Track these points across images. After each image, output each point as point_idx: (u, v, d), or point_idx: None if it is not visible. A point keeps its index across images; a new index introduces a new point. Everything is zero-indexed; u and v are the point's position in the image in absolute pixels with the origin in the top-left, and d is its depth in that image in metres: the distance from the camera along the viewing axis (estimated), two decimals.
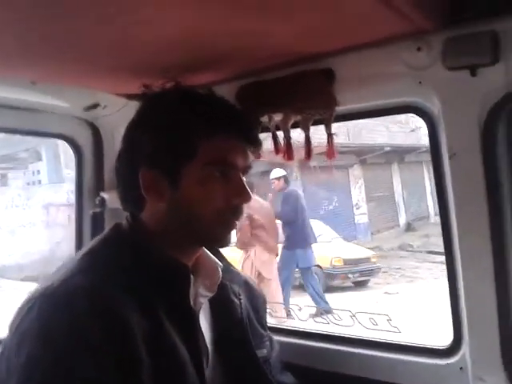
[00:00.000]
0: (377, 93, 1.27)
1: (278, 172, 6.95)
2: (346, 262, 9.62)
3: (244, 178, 1.11)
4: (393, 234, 13.84)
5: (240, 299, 1.24)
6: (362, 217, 14.57)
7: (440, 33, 1.11)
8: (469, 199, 1.18)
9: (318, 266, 8.72)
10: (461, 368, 1.27)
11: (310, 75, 1.26)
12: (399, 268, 11.08)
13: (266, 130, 1.37)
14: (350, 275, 9.78)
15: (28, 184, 13.78)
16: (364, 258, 10.22)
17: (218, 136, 1.07)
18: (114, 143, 1.64)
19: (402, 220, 15.59)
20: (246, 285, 1.32)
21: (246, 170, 1.12)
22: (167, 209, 1.07)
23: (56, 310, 0.90)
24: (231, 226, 1.11)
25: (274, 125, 1.35)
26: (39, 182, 13.73)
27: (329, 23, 1.05)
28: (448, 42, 1.11)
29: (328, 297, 7.25)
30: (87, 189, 1.71)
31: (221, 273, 1.18)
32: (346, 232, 13.06)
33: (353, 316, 1.67)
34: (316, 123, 1.29)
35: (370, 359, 1.44)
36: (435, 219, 15.95)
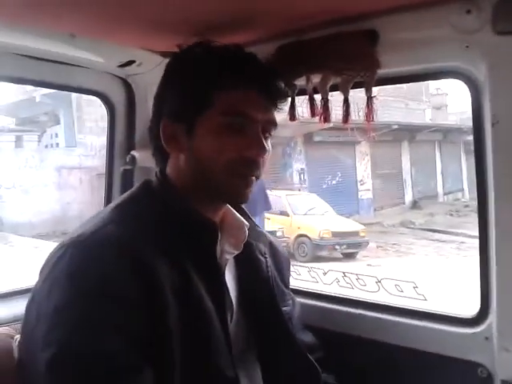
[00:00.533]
0: (421, 56, 1.24)
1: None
2: (334, 234, 10.06)
3: (267, 134, 1.10)
4: (397, 210, 13.94)
5: (266, 257, 1.26)
6: (365, 193, 14.68)
7: None
8: (509, 169, 1.17)
9: (307, 236, 9.48)
10: (486, 338, 1.28)
11: (352, 36, 1.23)
12: (395, 244, 11.19)
13: (302, 92, 1.36)
14: (336, 247, 10.18)
15: (46, 147, 13.96)
16: (353, 231, 10.60)
17: (237, 87, 1.06)
18: (146, 101, 1.63)
19: (409, 198, 15.66)
20: (271, 245, 1.34)
21: (267, 124, 1.10)
22: (186, 160, 1.09)
23: (87, 259, 0.92)
24: (246, 180, 1.08)
25: (312, 87, 1.33)
26: (57, 144, 13.89)
27: None
28: (499, 5, 1.08)
29: (312, 265, 7.50)
30: (118, 146, 1.71)
31: (247, 231, 1.19)
32: (348, 206, 13.40)
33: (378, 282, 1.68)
34: (356, 86, 1.27)
35: (393, 324, 1.45)
36: (444, 198, 16.43)
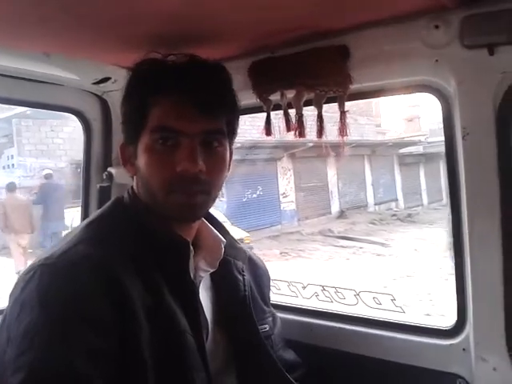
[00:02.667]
0: (392, 71, 1.26)
1: (45, 171, 10.07)
2: None
3: (214, 144, 1.05)
4: (323, 220, 14.59)
5: (243, 275, 1.24)
6: (288, 204, 15.39)
7: (458, 10, 1.10)
8: (480, 180, 1.18)
9: None
10: (463, 349, 1.28)
11: (324, 52, 1.25)
12: (301, 250, 11.64)
13: (278, 107, 1.37)
14: None
15: (4, 168, 14.15)
16: (237, 239, 11.09)
17: (167, 102, 1.02)
18: None
19: (335, 208, 16.48)
20: (250, 261, 1.32)
21: (209, 135, 1.04)
22: (137, 181, 1.11)
23: (57, 279, 0.90)
24: (185, 196, 1.03)
25: (286, 102, 1.34)
26: (12, 165, 14.01)
27: None
28: (466, 20, 1.10)
29: None
30: (95, 163, 1.71)
31: (223, 249, 1.18)
32: (270, 217, 14.38)
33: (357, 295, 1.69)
34: (329, 101, 1.28)
35: (372, 337, 1.45)
36: (375, 208, 17.28)
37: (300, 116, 1.31)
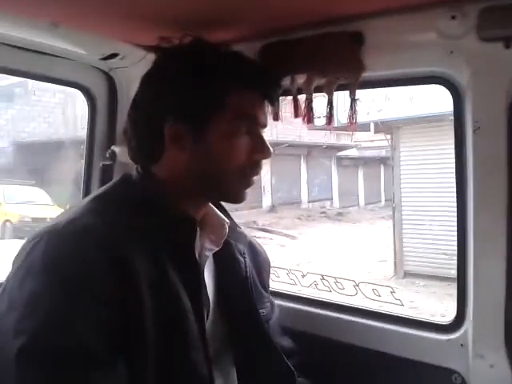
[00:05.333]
0: (406, 60, 1.24)
1: None
2: (34, 220, 10.74)
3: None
4: (253, 213, 14.92)
5: (245, 257, 1.25)
6: None
7: (476, 2, 1.09)
8: (488, 175, 1.17)
9: (10, 221, 10.93)
10: (461, 345, 1.28)
11: (337, 37, 1.23)
12: None
13: (287, 92, 1.35)
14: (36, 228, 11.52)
15: None
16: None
17: (246, 91, 1.08)
18: (129, 96, 1.59)
19: (267, 202, 17.18)
20: (251, 245, 1.33)
21: (265, 126, 1.13)
22: (188, 161, 1.07)
23: (63, 247, 0.90)
24: (250, 182, 1.12)
25: (296, 87, 1.33)
26: None
27: None
28: (483, 12, 1.08)
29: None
30: (99, 141, 1.68)
31: (227, 229, 1.19)
32: None
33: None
34: (340, 88, 1.27)
35: (370, 329, 1.45)
36: (308, 205, 18.27)
37: (310, 102, 1.30)
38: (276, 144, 16.24)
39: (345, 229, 13.86)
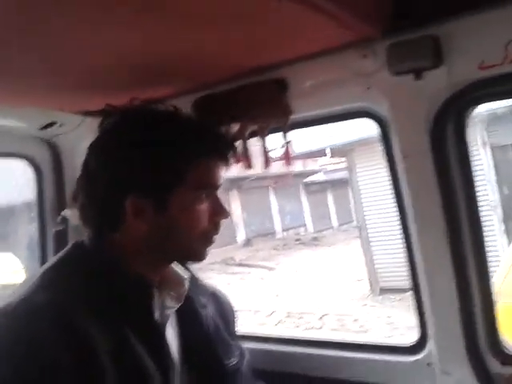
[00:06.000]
0: (329, 100, 1.30)
1: None
2: (4, 287, 10.43)
3: None
4: (229, 249, 14.82)
5: (206, 309, 1.24)
6: None
7: (383, 39, 1.15)
8: (424, 197, 1.22)
9: None
10: (428, 364, 1.30)
11: (263, 85, 1.28)
12: None
13: None
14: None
15: None
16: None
17: (205, 160, 1.08)
18: (73, 161, 1.62)
19: (242, 237, 17.15)
20: (214, 296, 1.32)
21: (220, 187, 1.14)
22: (149, 230, 1.06)
23: (15, 329, 0.90)
24: (212, 241, 1.13)
25: (231, 135, 1.36)
26: None
27: (274, 35, 1.08)
28: (392, 48, 1.14)
29: None
30: (49, 207, 1.69)
31: (187, 285, 1.18)
32: None
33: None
34: (274, 131, 1.32)
35: (339, 360, 1.46)
36: (283, 234, 18.28)
37: (246, 149, 1.34)
38: (243, 178, 16.21)
39: (321, 253, 13.90)
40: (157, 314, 1.07)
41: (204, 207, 1.08)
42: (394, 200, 1.32)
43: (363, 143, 8.78)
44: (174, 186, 1.05)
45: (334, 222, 19.80)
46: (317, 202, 19.47)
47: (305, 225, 19.43)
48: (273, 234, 18.34)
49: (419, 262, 1.27)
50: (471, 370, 1.23)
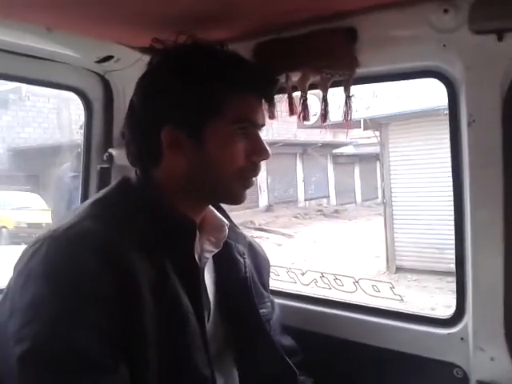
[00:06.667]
0: (399, 55, 1.24)
1: None
2: (30, 225, 10.74)
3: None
4: (249, 213, 14.84)
5: (244, 258, 1.25)
6: None
7: None
8: (484, 167, 1.17)
9: (5, 227, 10.98)
10: (462, 338, 1.28)
11: (331, 34, 1.23)
12: None
13: (281, 90, 1.35)
14: (33, 234, 11.09)
15: None
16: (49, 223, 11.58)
17: (242, 93, 1.07)
18: (125, 98, 1.60)
19: (264, 202, 17.15)
20: (251, 246, 1.33)
21: (263, 126, 1.13)
22: (188, 166, 1.07)
23: (62, 254, 0.90)
24: (250, 183, 1.12)
25: (291, 85, 1.33)
26: None
27: None
28: (475, 5, 1.08)
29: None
30: (96, 144, 1.69)
31: (227, 231, 1.19)
32: None
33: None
34: (334, 85, 1.27)
35: (370, 325, 1.45)
36: (305, 204, 18.25)
37: (305, 99, 1.30)
38: (271, 143, 16.54)
39: (341, 226, 13.90)
40: (196, 257, 1.07)
41: (242, 144, 1.07)
42: (452, 169, 1.28)
43: (399, 118, 8.64)
44: (209, 117, 1.04)
45: (358, 196, 19.73)
46: (343, 175, 19.38)
47: (328, 196, 19.42)
48: (295, 202, 18.38)
49: (467, 236, 1.23)
50: (506, 348, 1.20)
